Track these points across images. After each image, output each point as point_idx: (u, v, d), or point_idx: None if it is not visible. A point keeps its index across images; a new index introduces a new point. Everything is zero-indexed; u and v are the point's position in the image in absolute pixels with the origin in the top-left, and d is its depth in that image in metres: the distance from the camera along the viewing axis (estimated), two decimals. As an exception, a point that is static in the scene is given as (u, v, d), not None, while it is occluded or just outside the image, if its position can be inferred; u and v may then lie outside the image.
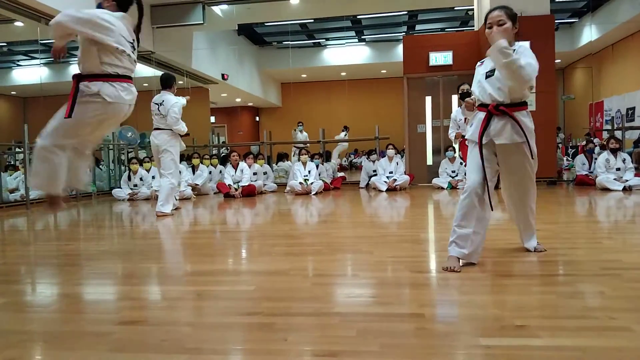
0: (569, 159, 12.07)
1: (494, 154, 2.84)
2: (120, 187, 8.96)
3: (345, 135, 14.06)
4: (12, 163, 9.72)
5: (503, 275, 2.65)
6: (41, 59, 9.55)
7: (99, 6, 3.19)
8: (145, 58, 10.64)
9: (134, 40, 3.22)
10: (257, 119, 17.31)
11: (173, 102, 5.96)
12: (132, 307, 2.30)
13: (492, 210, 2.81)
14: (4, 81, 10.35)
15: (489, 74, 2.82)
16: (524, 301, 2.18)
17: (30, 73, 9.80)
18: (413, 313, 2.04)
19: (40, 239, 4.53)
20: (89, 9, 3.11)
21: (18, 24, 8.13)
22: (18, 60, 10.07)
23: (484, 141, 2.80)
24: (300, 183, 8.59)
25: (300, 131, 13.45)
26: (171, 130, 5.97)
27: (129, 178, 8.83)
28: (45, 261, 3.41)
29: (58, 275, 2.99)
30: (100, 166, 10.34)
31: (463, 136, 5.83)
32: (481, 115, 2.83)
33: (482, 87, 2.84)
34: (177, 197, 7.52)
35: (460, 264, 2.73)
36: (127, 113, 3.24)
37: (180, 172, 6.75)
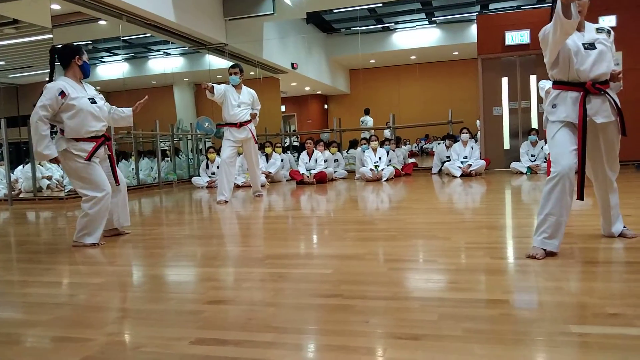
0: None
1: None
2: (199, 175, 9.36)
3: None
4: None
5: (590, 262, 2.53)
6: (122, 54, 10.07)
7: None
8: (218, 50, 10.96)
9: None
10: (326, 106, 17.36)
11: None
12: (217, 287, 2.41)
13: (582, 199, 2.63)
14: (89, 77, 11.04)
15: (589, 47, 2.62)
16: (615, 288, 2.07)
17: (112, 69, 10.35)
18: (496, 299, 1.99)
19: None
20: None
21: (101, 22, 8.61)
22: (102, 57, 10.64)
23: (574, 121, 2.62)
24: (371, 169, 8.56)
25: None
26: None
27: (207, 166, 9.19)
28: (134, 245, 3.64)
29: (146, 257, 3.18)
30: (180, 156, 10.82)
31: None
32: (572, 94, 2.64)
33: (582, 60, 2.61)
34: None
35: (544, 253, 2.60)
36: None
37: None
